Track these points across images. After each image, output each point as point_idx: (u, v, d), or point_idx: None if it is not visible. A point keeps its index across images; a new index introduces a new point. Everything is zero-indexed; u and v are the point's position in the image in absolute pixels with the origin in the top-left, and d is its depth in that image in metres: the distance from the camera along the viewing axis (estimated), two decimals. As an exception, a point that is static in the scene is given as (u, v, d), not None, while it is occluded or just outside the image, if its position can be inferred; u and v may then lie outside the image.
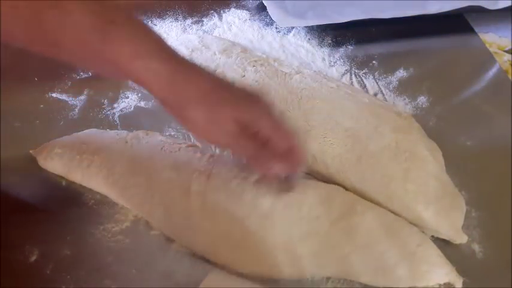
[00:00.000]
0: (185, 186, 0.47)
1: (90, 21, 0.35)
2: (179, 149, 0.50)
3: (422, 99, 0.61)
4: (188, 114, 0.39)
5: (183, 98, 0.39)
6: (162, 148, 0.50)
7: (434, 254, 0.43)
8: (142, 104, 0.58)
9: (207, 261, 0.45)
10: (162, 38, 0.39)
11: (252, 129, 0.41)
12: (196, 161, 0.48)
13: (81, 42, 0.36)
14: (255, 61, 0.58)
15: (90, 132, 0.53)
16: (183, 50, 0.59)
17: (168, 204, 0.46)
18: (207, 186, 0.46)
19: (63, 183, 0.50)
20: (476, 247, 0.47)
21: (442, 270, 0.42)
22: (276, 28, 0.68)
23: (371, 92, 0.61)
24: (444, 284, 0.43)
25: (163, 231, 0.47)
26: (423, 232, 0.48)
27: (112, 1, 0.37)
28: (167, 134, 0.54)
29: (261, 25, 0.69)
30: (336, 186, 0.48)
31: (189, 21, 0.68)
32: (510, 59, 0.68)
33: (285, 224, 0.44)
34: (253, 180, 0.46)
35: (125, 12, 0.38)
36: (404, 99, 0.61)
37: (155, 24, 0.67)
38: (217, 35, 0.66)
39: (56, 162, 0.50)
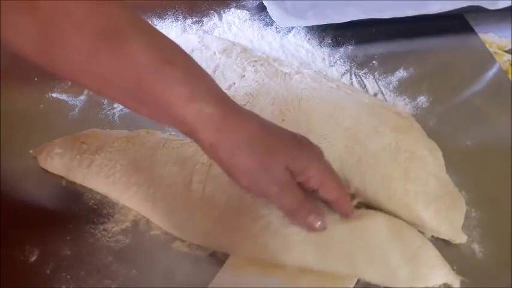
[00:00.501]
0: (187, 180, 0.47)
1: (147, 60, 0.33)
2: (181, 145, 0.50)
3: (422, 99, 0.61)
4: (237, 161, 0.37)
5: (233, 144, 0.37)
6: (163, 145, 0.50)
7: (433, 255, 0.43)
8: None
9: (209, 260, 0.45)
10: (212, 78, 0.38)
11: (301, 178, 0.39)
12: (199, 154, 0.49)
13: (136, 81, 0.34)
14: (255, 61, 0.58)
15: (91, 132, 0.53)
16: (183, 50, 0.59)
17: (170, 198, 0.46)
18: (208, 174, 0.47)
19: (63, 183, 0.50)
20: (476, 247, 0.47)
21: (440, 272, 0.42)
22: (276, 28, 0.68)
23: (371, 92, 0.61)
24: (442, 284, 0.43)
25: (164, 228, 0.47)
26: (423, 232, 0.48)
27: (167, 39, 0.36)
28: (167, 134, 0.54)
29: (261, 25, 0.69)
30: None
31: (189, 21, 0.68)
32: (510, 59, 0.68)
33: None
34: None
35: (179, 49, 0.36)
36: (404, 99, 0.61)
37: (155, 24, 0.67)
38: (217, 35, 0.66)
39: (56, 162, 0.50)
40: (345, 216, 0.44)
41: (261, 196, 0.42)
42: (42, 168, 0.51)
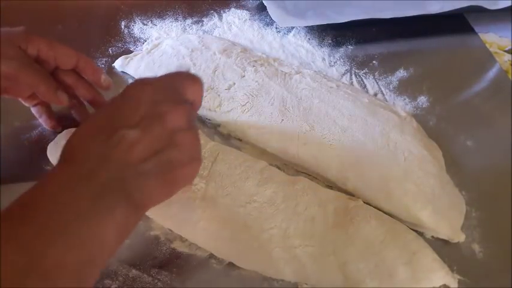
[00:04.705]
0: None
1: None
2: None
3: (422, 99, 0.61)
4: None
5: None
6: None
7: (430, 259, 0.43)
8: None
9: (209, 260, 0.45)
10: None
11: (24, 45, 0.44)
12: None
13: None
14: (255, 61, 0.58)
15: None
16: (183, 50, 0.59)
17: None
18: (211, 170, 0.47)
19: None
20: (476, 247, 0.47)
21: (437, 274, 0.43)
22: (276, 28, 0.68)
23: (371, 92, 0.61)
24: (441, 285, 0.43)
25: (164, 225, 0.47)
26: (422, 232, 0.48)
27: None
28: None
29: (261, 25, 0.69)
30: (338, 193, 0.48)
31: (189, 21, 0.68)
32: (510, 59, 0.68)
33: (282, 216, 0.45)
34: (258, 168, 0.47)
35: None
36: (405, 99, 0.61)
37: (155, 24, 0.67)
38: (217, 35, 0.66)
39: None
40: (98, 82, 0.50)
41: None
42: (43, 168, 0.51)
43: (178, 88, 0.38)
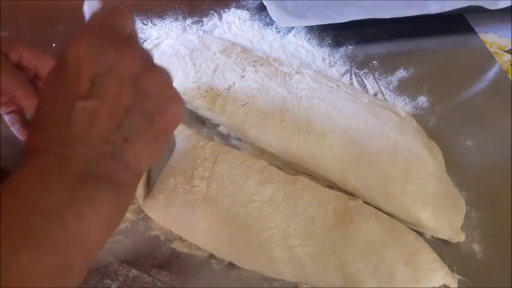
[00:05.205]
0: (188, 174, 0.47)
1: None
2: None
3: (422, 99, 0.61)
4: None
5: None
6: None
7: (430, 259, 0.43)
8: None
9: (209, 261, 0.45)
10: None
11: None
12: (199, 149, 0.49)
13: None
14: (255, 61, 0.58)
15: None
16: (183, 50, 0.59)
17: (169, 193, 0.46)
18: (212, 171, 0.47)
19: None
20: (476, 247, 0.47)
21: (437, 274, 0.43)
22: (276, 28, 0.68)
23: (371, 92, 0.61)
24: (441, 285, 0.43)
25: (164, 225, 0.47)
26: (422, 232, 0.48)
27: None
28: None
29: (261, 25, 0.69)
30: (338, 193, 0.48)
31: (189, 21, 0.68)
32: (510, 59, 0.68)
33: (282, 215, 0.45)
34: (258, 168, 0.47)
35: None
36: (405, 99, 0.61)
37: (155, 24, 0.67)
38: (217, 35, 0.66)
39: None
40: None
41: None
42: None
43: (113, 25, 0.32)
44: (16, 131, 0.49)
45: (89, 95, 0.28)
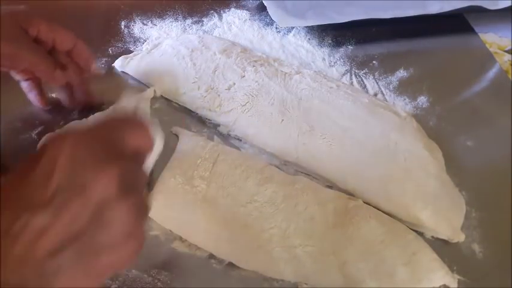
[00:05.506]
0: (188, 174, 0.47)
1: None
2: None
3: (422, 99, 0.61)
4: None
5: None
6: None
7: (429, 259, 0.43)
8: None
9: (209, 260, 0.45)
10: None
11: (32, 31, 0.45)
12: (199, 149, 0.49)
13: None
14: (255, 61, 0.58)
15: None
16: (183, 50, 0.59)
17: (169, 193, 0.46)
18: (212, 171, 0.47)
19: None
20: (476, 247, 0.47)
21: (437, 274, 0.43)
22: (276, 28, 0.68)
23: (371, 92, 0.61)
24: (441, 285, 0.43)
25: (165, 226, 0.47)
26: (422, 232, 0.48)
27: None
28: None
29: (261, 25, 0.69)
30: (338, 193, 0.48)
31: (189, 21, 0.68)
32: (510, 59, 0.68)
33: (282, 215, 0.45)
34: (258, 168, 0.47)
35: None
36: (405, 99, 0.61)
37: (155, 24, 0.67)
38: (217, 35, 0.66)
39: None
40: (88, 69, 0.50)
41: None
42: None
43: (114, 138, 0.29)
44: (33, 97, 0.52)
45: (46, 207, 0.26)
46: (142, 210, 0.30)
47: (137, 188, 0.30)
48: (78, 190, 0.26)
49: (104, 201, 0.27)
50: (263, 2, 0.68)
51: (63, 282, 0.26)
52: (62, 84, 0.50)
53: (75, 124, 0.52)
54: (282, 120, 0.52)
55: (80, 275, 0.27)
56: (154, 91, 0.57)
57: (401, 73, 0.64)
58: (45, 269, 0.25)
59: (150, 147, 0.32)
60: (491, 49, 0.69)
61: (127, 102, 0.50)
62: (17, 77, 0.51)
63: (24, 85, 0.52)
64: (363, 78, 0.63)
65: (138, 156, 0.31)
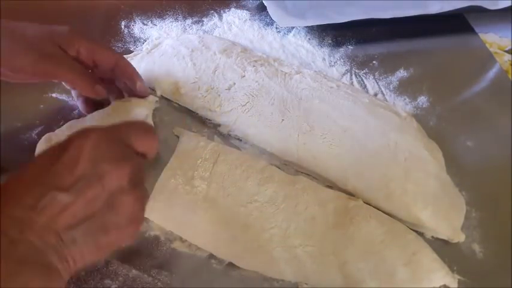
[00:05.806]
0: (189, 174, 0.47)
1: None
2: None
3: (422, 99, 0.61)
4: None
5: None
6: None
7: (430, 259, 0.44)
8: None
9: (209, 260, 0.45)
10: None
11: (72, 51, 0.46)
12: (200, 149, 0.49)
13: None
14: (255, 61, 0.58)
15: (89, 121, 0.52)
16: (183, 50, 0.59)
17: (170, 194, 0.46)
18: (212, 172, 0.47)
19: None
20: (476, 247, 0.47)
21: (437, 274, 0.43)
22: (276, 28, 0.68)
23: (371, 92, 0.61)
24: (441, 286, 0.43)
25: (165, 227, 0.47)
26: (422, 232, 0.48)
27: None
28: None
29: (261, 25, 0.69)
30: (338, 193, 0.48)
31: (189, 21, 0.68)
32: (510, 59, 0.68)
33: (282, 215, 0.45)
34: (258, 168, 0.47)
35: None
36: (405, 99, 0.61)
37: (155, 24, 0.67)
38: (217, 35, 0.66)
39: None
40: (134, 87, 0.50)
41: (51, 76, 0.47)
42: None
43: (126, 140, 0.36)
44: (80, 104, 0.54)
45: (69, 189, 0.31)
46: (144, 200, 0.36)
47: (142, 182, 0.36)
48: (97, 179, 0.32)
49: (116, 190, 0.33)
50: (263, 2, 0.68)
51: (76, 251, 0.31)
52: (104, 97, 0.50)
53: (75, 122, 0.52)
54: (282, 120, 0.52)
55: (90, 248, 0.32)
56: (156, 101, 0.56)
57: (401, 73, 0.64)
58: (63, 239, 0.30)
59: (154, 151, 0.39)
60: (491, 49, 0.69)
61: (140, 112, 0.51)
62: (66, 86, 0.54)
63: (73, 92, 0.54)
64: (363, 78, 0.63)
65: (144, 157, 0.38)
